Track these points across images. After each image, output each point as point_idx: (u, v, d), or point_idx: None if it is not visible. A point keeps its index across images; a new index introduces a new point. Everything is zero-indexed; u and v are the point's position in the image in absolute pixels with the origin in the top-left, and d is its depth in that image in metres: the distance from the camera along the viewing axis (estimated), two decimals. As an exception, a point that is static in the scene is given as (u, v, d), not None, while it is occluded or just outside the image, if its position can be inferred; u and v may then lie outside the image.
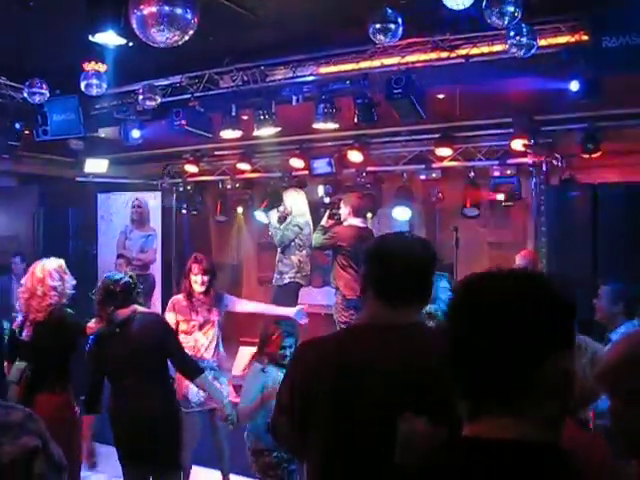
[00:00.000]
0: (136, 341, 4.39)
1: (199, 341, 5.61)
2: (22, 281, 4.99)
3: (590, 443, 2.33)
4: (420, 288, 2.19)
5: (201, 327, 5.64)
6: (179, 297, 5.70)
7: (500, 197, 9.08)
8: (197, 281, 5.52)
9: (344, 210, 7.57)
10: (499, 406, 1.27)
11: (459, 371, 1.33)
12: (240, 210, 11.43)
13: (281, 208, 8.30)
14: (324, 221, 7.65)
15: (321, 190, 9.74)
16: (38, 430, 2.09)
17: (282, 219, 8.29)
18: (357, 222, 7.72)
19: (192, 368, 4.73)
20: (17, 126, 8.80)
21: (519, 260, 7.42)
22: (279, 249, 8.19)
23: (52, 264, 4.91)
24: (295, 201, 8.38)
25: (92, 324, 4.73)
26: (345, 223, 7.59)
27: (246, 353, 7.10)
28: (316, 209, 8.95)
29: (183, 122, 7.86)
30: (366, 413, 1.98)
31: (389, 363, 2.00)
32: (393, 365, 1.99)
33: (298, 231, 8.22)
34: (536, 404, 1.25)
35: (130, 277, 4.61)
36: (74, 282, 4.99)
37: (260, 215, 10.07)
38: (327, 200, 9.43)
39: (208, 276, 5.52)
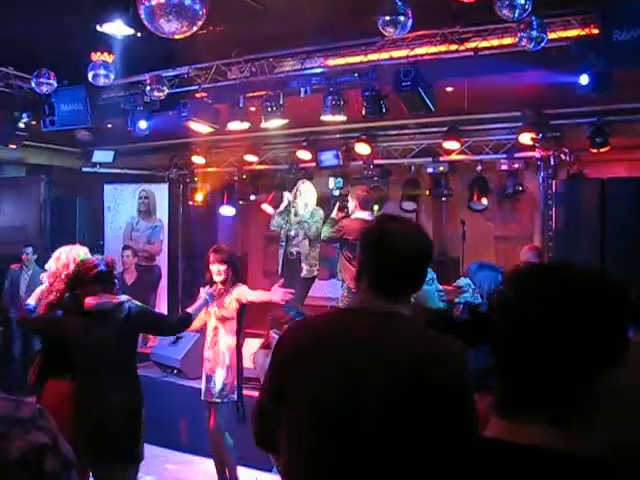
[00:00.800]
0: (108, 331, 4.37)
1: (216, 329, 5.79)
2: (47, 266, 5.01)
3: None
4: (414, 278, 2.18)
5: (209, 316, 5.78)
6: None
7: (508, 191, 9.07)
8: (214, 270, 5.62)
9: (351, 203, 7.54)
10: (540, 412, 1.17)
11: (505, 369, 1.23)
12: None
13: (303, 200, 8.19)
14: (334, 214, 7.62)
15: (332, 182, 9.72)
16: (48, 427, 2.09)
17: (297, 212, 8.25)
18: (364, 215, 7.69)
19: (178, 324, 5.04)
20: (24, 116, 8.81)
21: (526, 254, 7.38)
22: (306, 242, 8.09)
23: (72, 252, 4.96)
24: (312, 193, 8.33)
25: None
26: (352, 216, 7.56)
27: (251, 345, 7.10)
28: (325, 201, 8.92)
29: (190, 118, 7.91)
30: (352, 393, 1.96)
31: (378, 347, 1.99)
32: (381, 349, 1.98)
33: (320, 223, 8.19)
34: (582, 418, 1.16)
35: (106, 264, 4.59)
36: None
37: (267, 208, 10.05)
38: (337, 193, 9.36)
39: (225, 266, 5.61)
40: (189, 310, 5.24)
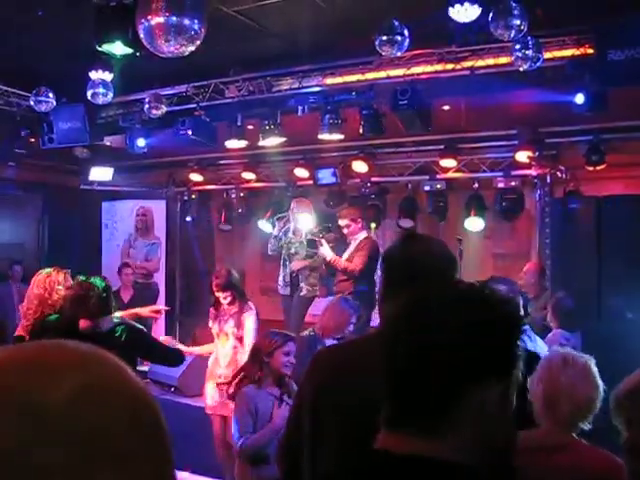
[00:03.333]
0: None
1: (218, 350, 5.94)
2: (25, 290, 4.99)
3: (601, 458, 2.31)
4: None
5: (218, 336, 5.92)
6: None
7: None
8: (219, 296, 5.75)
9: (350, 224, 7.59)
10: (417, 426, 1.21)
11: (387, 384, 1.29)
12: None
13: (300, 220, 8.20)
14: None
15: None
16: None
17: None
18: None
19: (173, 354, 4.89)
20: (23, 134, 8.85)
21: (529, 272, 7.36)
22: (307, 262, 8.11)
23: (52, 276, 4.87)
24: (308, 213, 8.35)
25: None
26: (359, 237, 7.63)
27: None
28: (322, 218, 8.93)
29: (188, 132, 7.89)
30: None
31: None
32: None
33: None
34: (456, 430, 1.19)
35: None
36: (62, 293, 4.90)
37: (264, 225, 10.07)
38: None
39: (228, 291, 5.70)
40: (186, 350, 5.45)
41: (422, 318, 1.24)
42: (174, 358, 4.93)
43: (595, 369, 2.56)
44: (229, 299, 5.71)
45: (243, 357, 5.55)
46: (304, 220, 8.09)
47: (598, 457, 2.40)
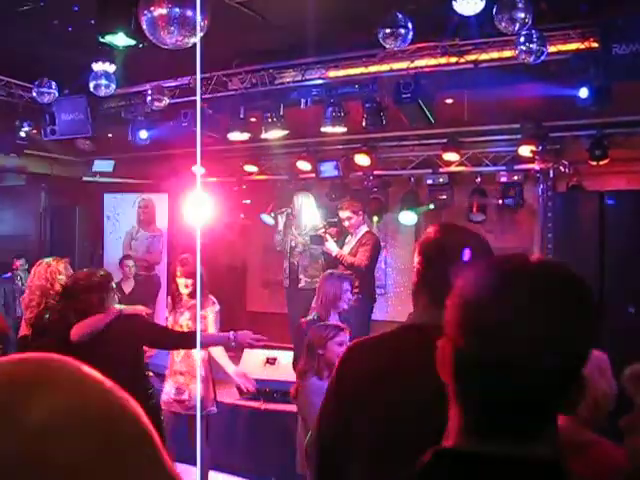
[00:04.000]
0: (110, 349, 4.20)
1: None
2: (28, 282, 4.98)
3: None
4: None
5: (173, 328, 5.58)
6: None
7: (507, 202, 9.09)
8: (181, 284, 5.49)
9: (353, 217, 7.57)
10: (514, 433, 1.07)
11: (470, 384, 1.10)
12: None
13: (303, 215, 8.20)
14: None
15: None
16: None
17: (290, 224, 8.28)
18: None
19: (179, 337, 4.79)
20: (25, 125, 8.84)
21: None
22: (307, 254, 8.12)
23: (52, 265, 4.87)
24: (311, 207, 8.35)
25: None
26: (360, 230, 7.62)
27: (251, 356, 7.10)
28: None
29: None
30: (416, 420, 1.84)
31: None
32: None
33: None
34: (551, 430, 1.09)
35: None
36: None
37: (266, 218, 10.07)
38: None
39: (192, 279, 5.38)
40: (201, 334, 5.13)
41: (528, 304, 1.07)
42: (180, 342, 4.80)
43: (609, 364, 2.53)
44: (191, 289, 5.45)
45: (196, 351, 5.32)
46: (308, 216, 8.09)
47: (621, 455, 2.37)
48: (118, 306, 4.54)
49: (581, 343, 1.09)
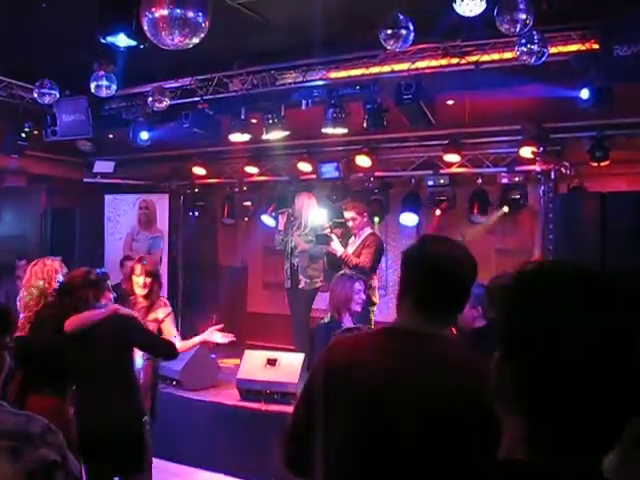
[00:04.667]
0: (100, 343, 4.33)
1: None
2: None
3: None
4: (459, 298, 2.11)
5: None
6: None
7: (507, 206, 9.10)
8: (138, 282, 5.30)
9: (356, 218, 7.57)
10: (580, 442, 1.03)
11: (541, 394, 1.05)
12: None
13: (305, 215, 8.18)
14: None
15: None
16: (57, 443, 2.10)
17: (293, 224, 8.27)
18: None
19: (167, 349, 4.74)
20: (26, 126, 8.84)
21: None
22: (305, 254, 8.11)
23: (48, 264, 4.88)
24: (309, 206, 8.34)
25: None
26: (364, 233, 7.62)
27: (252, 357, 7.10)
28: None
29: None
30: (394, 420, 1.91)
31: (424, 373, 1.94)
32: (427, 376, 1.93)
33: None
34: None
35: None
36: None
37: (267, 219, 10.08)
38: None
39: (151, 278, 5.29)
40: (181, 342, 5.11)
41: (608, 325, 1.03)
42: (167, 350, 4.76)
43: None
44: (147, 290, 5.25)
45: (138, 358, 5.10)
46: (311, 216, 8.08)
47: None
48: (115, 305, 4.58)
49: None
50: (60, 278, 4.79)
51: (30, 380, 4.52)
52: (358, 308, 5.45)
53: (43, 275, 4.77)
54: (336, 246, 7.46)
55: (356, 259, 7.32)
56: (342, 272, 6.04)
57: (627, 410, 1.03)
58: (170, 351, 4.75)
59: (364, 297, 5.59)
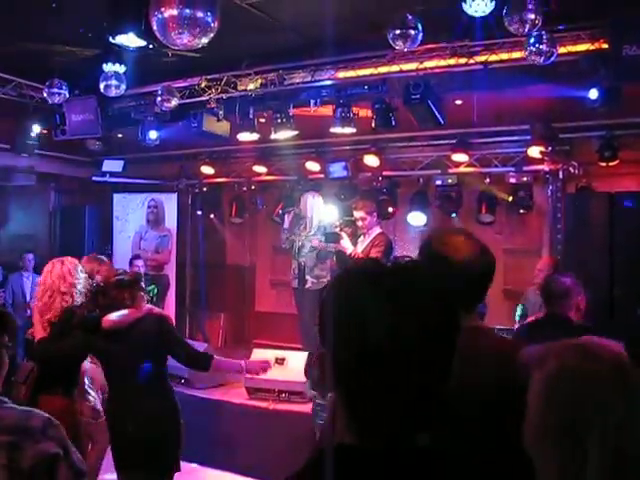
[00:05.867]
0: (136, 343, 4.40)
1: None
2: (38, 280, 4.97)
3: None
4: (478, 290, 2.13)
5: None
6: None
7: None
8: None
9: (365, 217, 7.56)
10: None
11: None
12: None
13: (312, 215, 8.20)
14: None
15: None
16: (59, 437, 2.11)
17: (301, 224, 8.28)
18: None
19: (200, 360, 4.71)
20: (36, 125, 8.88)
21: (541, 270, 7.36)
22: (313, 254, 8.13)
23: (66, 264, 4.89)
24: (315, 206, 8.36)
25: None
26: (373, 232, 7.60)
27: (260, 356, 7.11)
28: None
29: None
30: None
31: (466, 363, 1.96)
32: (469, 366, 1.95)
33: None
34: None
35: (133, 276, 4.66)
36: (87, 282, 4.96)
37: (275, 219, 10.12)
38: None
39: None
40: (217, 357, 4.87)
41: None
42: (201, 362, 4.72)
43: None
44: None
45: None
46: (318, 215, 8.09)
47: None
48: (148, 305, 4.67)
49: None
50: (83, 278, 4.82)
51: (44, 381, 4.55)
52: None
53: (63, 276, 4.79)
54: (346, 244, 7.46)
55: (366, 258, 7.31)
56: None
57: (427, 386, 1.11)
58: (199, 362, 4.72)
59: None
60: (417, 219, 9.57)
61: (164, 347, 4.52)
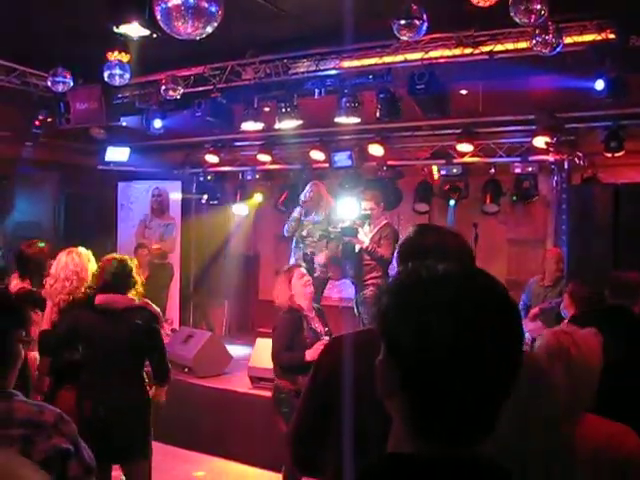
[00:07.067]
0: (122, 333, 4.38)
1: None
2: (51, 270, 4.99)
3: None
4: None
5: None
6: None
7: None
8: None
9: (377, 209, 7.55)
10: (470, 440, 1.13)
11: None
12: (259, 200, 11.37)
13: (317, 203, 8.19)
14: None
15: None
16: (70, 433, 2.13)
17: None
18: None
19: (164, 375, 4.74)
20: (40, 114, 8.88)
21: (547, 261, 7.36)
22: (322, 243, 8.13)
23: (72, 254, 4.92)
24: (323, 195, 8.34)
25: None
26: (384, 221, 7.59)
27: (263, 345, 7.13)
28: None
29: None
30: None
31: None
32: None
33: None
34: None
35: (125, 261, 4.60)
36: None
37: (279, 208, 10.11)
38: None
39: None
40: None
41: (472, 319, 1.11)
42: (163, 374, 4.75)
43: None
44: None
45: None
46: (330, 206, 8.06)
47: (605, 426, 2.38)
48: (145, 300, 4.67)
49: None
50: (94, 266, 4.84)
51: (67, 373, 4.57)
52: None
53: (79, 263, 4.82)
54: (363, 237, 7.46)
55: (381, 250, 7.31)
56: None
57: (496, 397, 1.12)
58: (164, 377, 4.75)
59: None
60: (421, 209, 9.58)
61: (147, 343, 4.51)
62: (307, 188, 8.36)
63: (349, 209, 7.83)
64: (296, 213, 8.35)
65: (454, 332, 1.08)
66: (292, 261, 8.36)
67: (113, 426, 4.23)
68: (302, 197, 8.28)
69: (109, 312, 4.39)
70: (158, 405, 4.73)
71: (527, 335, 5.07)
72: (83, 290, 4.71)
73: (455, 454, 1.11)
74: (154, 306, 4.71)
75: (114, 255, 4.69)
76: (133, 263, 4.64)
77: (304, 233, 8.18)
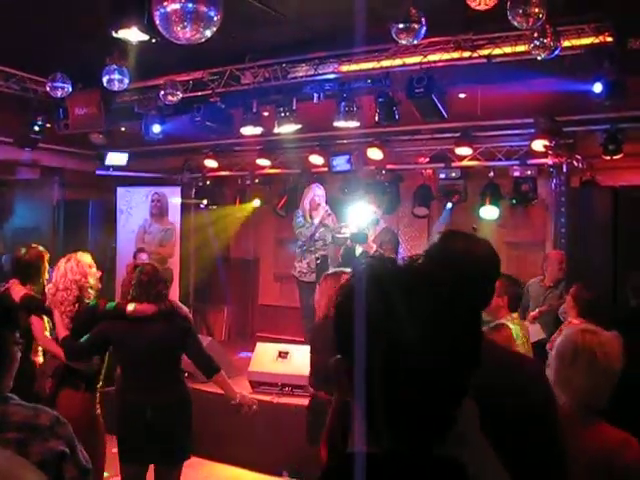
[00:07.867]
0: (155, 336, 4.42)
1: None
2: (51, 277, 5.00)
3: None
4: (483, 296, 2.03)
5: None
6: None
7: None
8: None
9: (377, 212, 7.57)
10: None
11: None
12: (258, 204, 11.37)
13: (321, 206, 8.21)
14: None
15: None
16: (66, 435, 2.13)
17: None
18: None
19: (209, 365, 4.72)
20: (39, 119, 8.88)
21: (549, 264, 7.36)
22: (333, 245, 8.14)
23: (72, 260, 4.92)
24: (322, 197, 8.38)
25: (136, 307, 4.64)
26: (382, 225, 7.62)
27: (263, 349, 7.13)
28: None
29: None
30: None
31: None
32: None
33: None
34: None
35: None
36: (98, 275, 5.00)
37: (280, 212, 10.11)
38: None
39: None
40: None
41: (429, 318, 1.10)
42: (208, 363, 4.71)
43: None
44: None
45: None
46: (356, 213, 8.08)
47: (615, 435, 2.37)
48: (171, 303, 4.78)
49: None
50: (95, 273, 4.90)
51: (69, 376, 4.58)
52: None
53: (80, 270, 4.83)
54: (372, 243, 7.50)
55: (386, 255, 7.32)
56: None
57: (446, 394, 1.10)
58: (209, 371, 4.72)
59: None
60: (421, 212, 9.57)
61: (182, 344, 4.54)
62: (318, 191, 8.36)
63: (360, 214, 7.85)
64: (300, 217, 8.35)
65: (390, 329, 1.06)
66: (304, 266, 8.36)
67: (158, 426, 4.28)
68: (316, 199, 8.28)
69: (141, 319, 4.44)
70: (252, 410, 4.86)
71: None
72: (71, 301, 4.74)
73: (410, 452, 1.10)
74: (183, 307, 4.77)
75: (147, 263, 4.77)
76: (167, 274, 4.71)
77: (316, 237, 8.20)
